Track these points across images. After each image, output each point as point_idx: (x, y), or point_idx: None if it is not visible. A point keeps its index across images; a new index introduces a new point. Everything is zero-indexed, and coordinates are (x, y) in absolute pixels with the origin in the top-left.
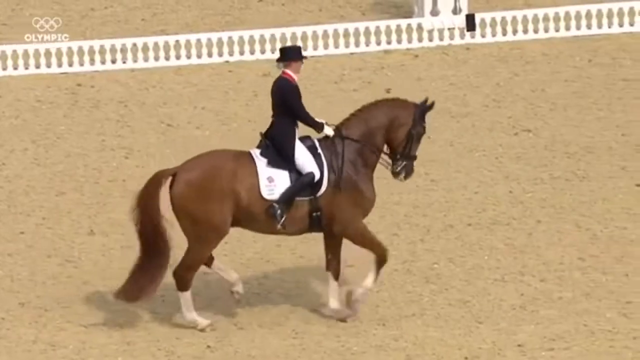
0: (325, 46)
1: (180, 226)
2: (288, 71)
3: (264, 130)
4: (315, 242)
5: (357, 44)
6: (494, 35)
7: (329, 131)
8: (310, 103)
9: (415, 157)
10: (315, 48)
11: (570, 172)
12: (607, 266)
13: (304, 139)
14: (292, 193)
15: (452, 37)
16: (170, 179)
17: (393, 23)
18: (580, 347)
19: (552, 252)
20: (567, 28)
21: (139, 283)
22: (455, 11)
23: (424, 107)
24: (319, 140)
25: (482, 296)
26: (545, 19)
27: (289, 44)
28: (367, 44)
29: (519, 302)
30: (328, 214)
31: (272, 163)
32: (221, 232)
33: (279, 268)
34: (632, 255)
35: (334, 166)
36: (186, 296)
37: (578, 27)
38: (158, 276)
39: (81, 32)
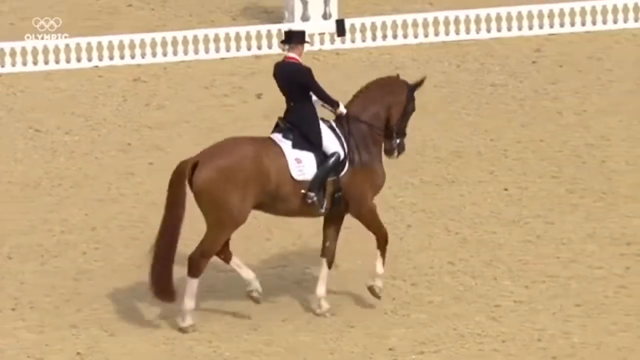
0: (196, 51)
1: (201, 209)
2: (293, 54)
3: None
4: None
5: (227, 49)
6: (363, 40)
7: (343, 109)
8: (182, 108)
9: (406, 134)
10: (185, 53)
11: (440, 176)
12: (477, 270)
13: (323, 121)
14: (323, 176)
15: (322, 43)
16: (191, 166)
17: (264, 28)
18: (450, 351)
19: (423, 256)
20: (436, 34)
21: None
22: (325, 16)
23: (416, 85)
24: (334, 121)
25: (354, 300)
26: (415, 24)
27: (159, 49)
28: (238, 49)
29: (390, 306)
30: (346, 194)
31: (296, 145)
32: (240, 219)
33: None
34: (500, 259)
35: (351, 146)
36: (193, 284)
37: (447, 33)
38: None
39: None
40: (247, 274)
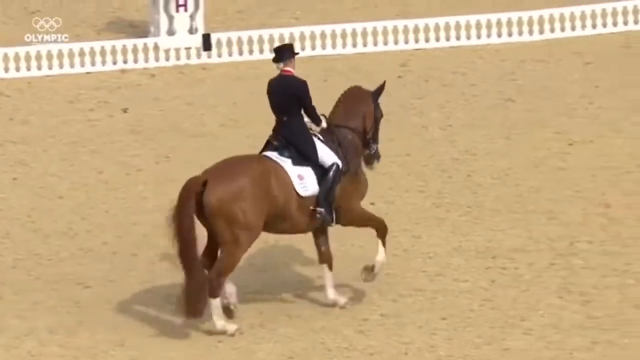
0: (61, 65)
1: (216, 231)
2: (288, 68)
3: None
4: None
5: (93, 63)
6: (230, 54)
7: (324, 125)
8: (46, 123)
9: (378, 142)
10: (50, 67)
11: None
12: (344, 283)
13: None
14: (328, 189)
15: (188, 57)
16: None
17: (129, 42)
18: None
19: (290, 271)
20: (302, 48)
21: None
22: (192, 31)
23: (378, 91)
24: (320, 132)
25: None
26: (281, 39)
27: (23, 63)
28: (104, 63)
29: (258, 320)
30: (339, 203)
31: (296, 162)
32: (256, 234)
33: (13, 289)
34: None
35: (341, 156)
36: (217, 303)
37: (313, 47)
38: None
39: None
40: (229, 287)
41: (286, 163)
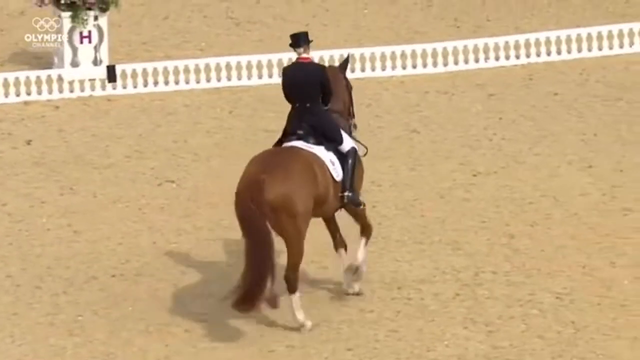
0: None
1: (280, 226)
2: (306, 55)
3: None
4: None
5: None
6: (135, 86)
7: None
8: None
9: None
10: None
11: (214, 222)
12: (250, 314)
13: None
14: (352, 173)
15: (93, 89)
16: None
17: (33, 74)
18: None
19: (198, 304)
20: (208, 79)
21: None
22: (96, 62)
23: (344, 65)
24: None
25: (127, 347)
26: (186, 70)
27: None
28: (7, 95)
29: (163, 353)
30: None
31: (325, 147)
32: (309, 221)
33: None
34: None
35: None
36: (296, 297)
37: (219, 79)
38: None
39: None
40: None
41: (318, 150)
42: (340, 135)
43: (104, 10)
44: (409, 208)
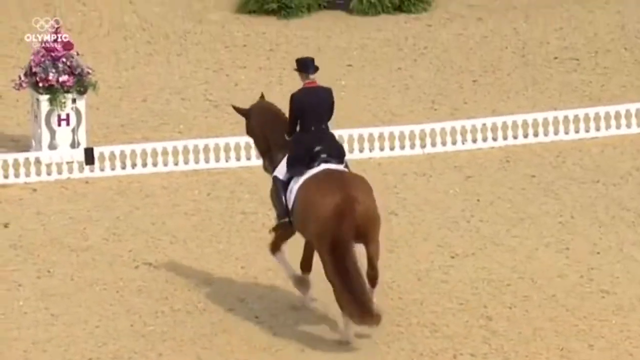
0: None
1: (370, 236)
2: (314, 79)
3: None
4: None
5: None
6: (113, 168)
7: None
8: None
9: None
10: None
11: (192, 304)
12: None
13: None
14: None
15: (71, 171)
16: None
17: (10, 157)
18: None
19: None
20: (186, 162)
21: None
22: (74, 145)
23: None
24: None
25: None
26: (164, 152)
27: None
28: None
29: None
30: None
31: (344, 166)
32: None
33: None
34: None
35: None
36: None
37: (196, 161)
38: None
39: None
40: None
41: (342, 168)
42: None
43: (81, 93)
44: (386, 290)
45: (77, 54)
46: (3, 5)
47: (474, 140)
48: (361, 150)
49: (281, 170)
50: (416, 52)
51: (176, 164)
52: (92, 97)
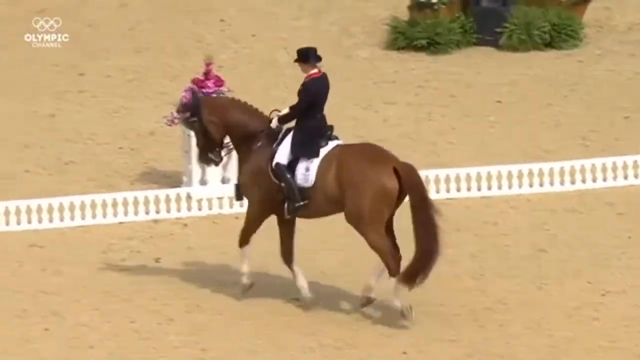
0: (94, 216)
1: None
2: (320, 66)
3: None
4: None
5: (125, 214)
6: None
7: None
8: (79, 273)
9: None
10: (83, 217)
11: (340, 340)
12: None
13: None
14: None
15: (221, 207)
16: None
17: (162, 193)
18: None
19: None
20: None
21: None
22: (224, 181)
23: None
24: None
25: None
26: None
27: (56, 214)
28: (136, 213)
29: None
30: None
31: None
32: None
33: None
34: None
35: None
36: None
37: None
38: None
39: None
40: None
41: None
42: None
43: None
44: (536, 327)
45: (228, 90)
46: (157, 43)
47: (626, 177)
48: (510, 187)
49: (282, 156)
50: (567, 88)
51: None
52: None
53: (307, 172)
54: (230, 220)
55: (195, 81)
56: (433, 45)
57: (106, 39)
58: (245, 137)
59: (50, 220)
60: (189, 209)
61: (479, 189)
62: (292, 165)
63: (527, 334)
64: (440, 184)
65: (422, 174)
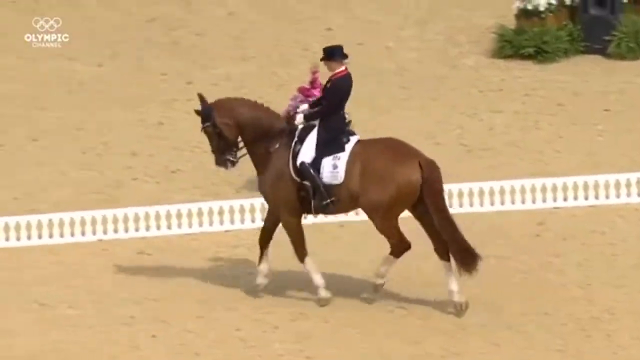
0: (200, 224)
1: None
2: (347, 63)
3: None
4: None
5: (232, 222)
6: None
7: None
8: (186, 280)
9: None
10: (189, 225)
11: (445, 349)
12: None
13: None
14: None
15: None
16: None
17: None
18: None
19: None
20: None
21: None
22: None
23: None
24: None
25: None
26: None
27: (163, 222)
28: (242, 221)
29: None
30: None
31: None
32: None
33: None
34: None
35: None
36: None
37: (450, 205)
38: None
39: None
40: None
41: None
42: None
43: None
44: None
45: None
46: (263, 52)
47: None
48: (618, 196)
49: (308, 154)
50: None
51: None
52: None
53: (334, 170)
54: (335, 229)
55: (301, 90)
56: (540, 54)
57: (213, 48)
58: (260, 136)
59: (158, 228)
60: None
61: (586, 198)
62: (315, 164)
63: (636, 344)
64: (547, 192)
65: (529, 182)
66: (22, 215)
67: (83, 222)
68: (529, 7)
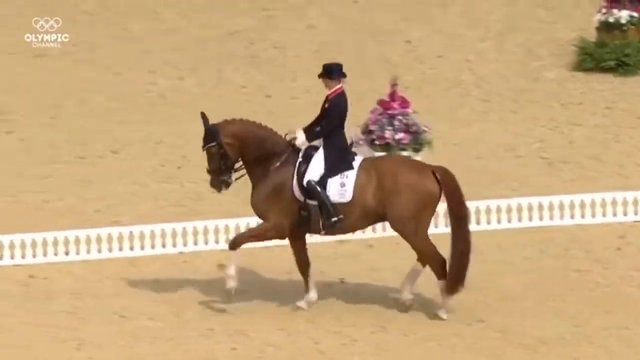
0: None
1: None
2: (345, 81)
3: None
4: None
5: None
6: (436, 226)
7: None
8: (264, 294)
9: None
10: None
11: None
12: None
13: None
14: None
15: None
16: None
17: None
18: None
19: None
20: (520, 219)
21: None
22: None
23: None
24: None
25: None
26: (498, 210)
27: None
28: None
29: None
30: None
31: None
32: None
33: None
34: None
35: None
36: None
37: (530, 218)
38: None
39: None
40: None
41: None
42: None
43: (417, 150)
44: None
45: (414, 112)
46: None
47: None
48: None
49: (315, 173)
50: None
51: (509, 221)
52: (428, 155)
53: (342, 188)
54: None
55: (381, 102)
56: (622, 67)
57: (293, 61)
58: (261, 157)
59: None
60: (374, 230)
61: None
62: (322, 182)
63: None
64: (628, 206)
65: (609, 195)
66: (103, 227)
67: (163, 235)
68: (611, 19)
